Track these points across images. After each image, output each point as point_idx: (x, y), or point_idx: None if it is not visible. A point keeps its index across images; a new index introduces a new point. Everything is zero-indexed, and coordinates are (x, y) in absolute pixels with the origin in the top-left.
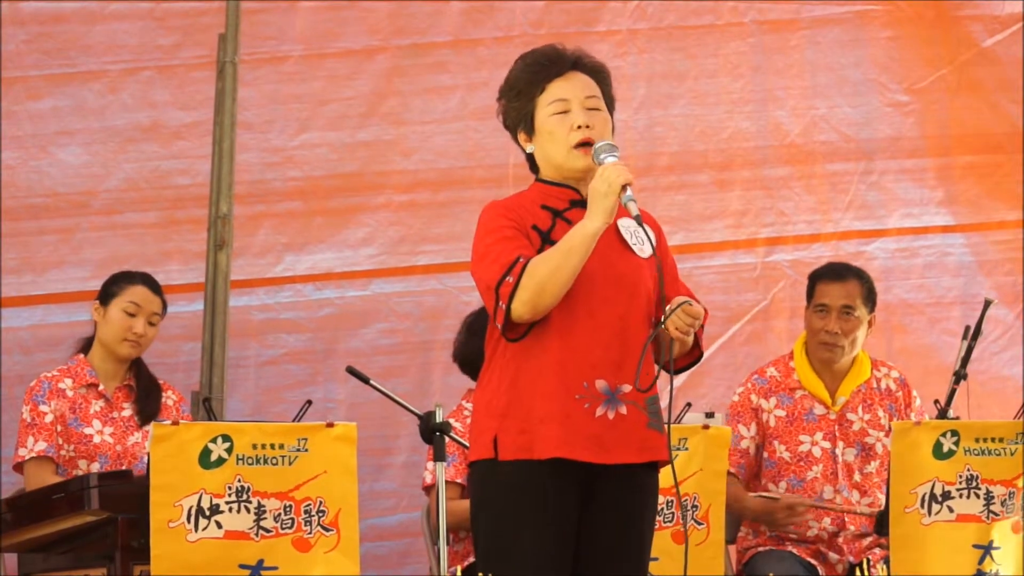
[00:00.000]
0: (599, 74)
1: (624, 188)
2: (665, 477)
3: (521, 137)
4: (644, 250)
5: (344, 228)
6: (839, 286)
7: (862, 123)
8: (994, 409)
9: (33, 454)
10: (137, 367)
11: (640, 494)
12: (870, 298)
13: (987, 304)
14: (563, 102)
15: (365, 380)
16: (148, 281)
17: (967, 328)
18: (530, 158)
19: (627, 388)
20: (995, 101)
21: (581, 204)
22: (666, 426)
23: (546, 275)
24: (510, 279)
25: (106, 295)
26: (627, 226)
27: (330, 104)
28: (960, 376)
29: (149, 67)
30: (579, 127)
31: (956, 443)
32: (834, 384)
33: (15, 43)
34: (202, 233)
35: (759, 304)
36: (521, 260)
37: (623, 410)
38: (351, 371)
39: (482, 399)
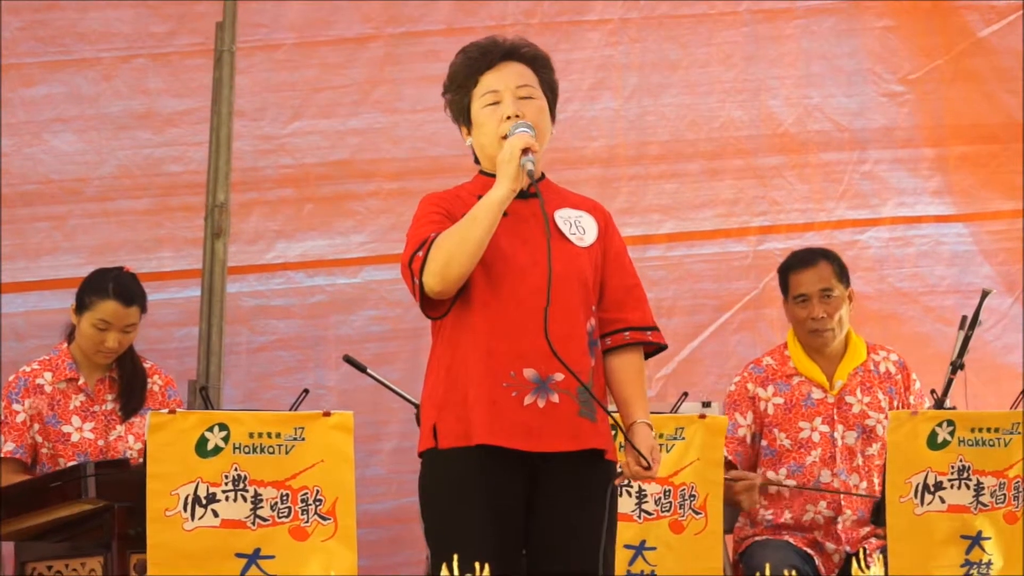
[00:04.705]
0: (536, 61)
1: (525, 152)
2: (660, 467)
3: (463, 131)
4: (584, 239)
5: (335, 215)
6: (812, 272)
7: (856, 113)
8: (990, 399)
9: (1, 454)
10: (121, 355)
11: (583, 483)
12: (843, 275)
13: (984, 295)
14: (494, 93)
15: (362, 369)
16: (120, 294)
17: (963, 318)
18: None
19: (559, 377)
20: (991, 91)
21: (518, 195)
22: (612, 417)
23: (453, 245)
24: (420, 254)
25: (80, 304)
26: (566, 216)
27: (322, 92)
28: (957, 367)
29: (143, 55)
30: (509, 118)
31: (951, 433)
32: (830, 368)
33: (10, 30)
34: (195, 220)
35: (750, 292)
36: (432, 236)
37: (555, 398)
38: (348, 360)
39: (424, 390)
